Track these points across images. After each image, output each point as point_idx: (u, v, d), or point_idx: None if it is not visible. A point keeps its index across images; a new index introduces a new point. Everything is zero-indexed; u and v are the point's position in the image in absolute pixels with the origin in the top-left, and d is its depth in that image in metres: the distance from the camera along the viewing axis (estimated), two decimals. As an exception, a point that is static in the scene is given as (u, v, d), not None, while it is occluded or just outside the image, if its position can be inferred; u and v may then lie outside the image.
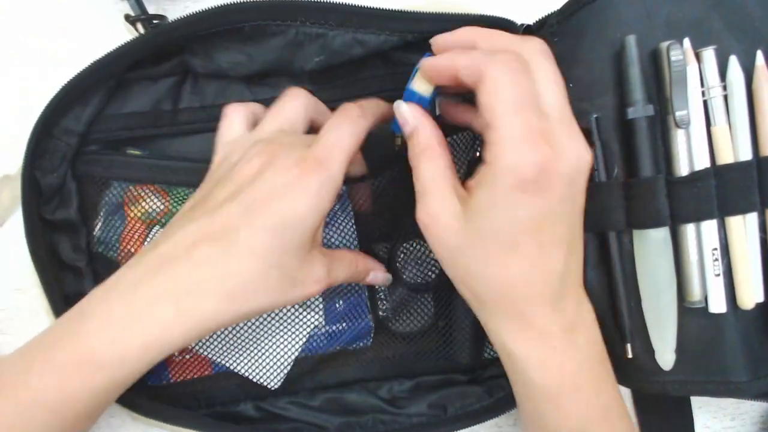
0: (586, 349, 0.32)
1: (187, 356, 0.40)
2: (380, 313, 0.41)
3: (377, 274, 0.39)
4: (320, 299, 0.40)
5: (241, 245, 0.30)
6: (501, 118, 0.28)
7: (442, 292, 0.41)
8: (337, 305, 0.40)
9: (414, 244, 0.41)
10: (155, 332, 0.29)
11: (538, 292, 0.30)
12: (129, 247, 0.38)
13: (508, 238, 0.29)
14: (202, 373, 0.40)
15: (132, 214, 0.38)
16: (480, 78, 0.29)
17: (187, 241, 0.31)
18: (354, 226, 0.40)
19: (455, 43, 0.32)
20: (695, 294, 0.36)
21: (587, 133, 0.36)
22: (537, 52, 0.31)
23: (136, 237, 0.38)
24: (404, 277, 0.40)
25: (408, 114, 0.33)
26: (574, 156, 0.30)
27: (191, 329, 0.30)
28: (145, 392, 0.38)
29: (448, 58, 0.31)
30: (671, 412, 0.42)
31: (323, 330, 0.40)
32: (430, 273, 0.40)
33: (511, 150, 0.28)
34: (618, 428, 0.33)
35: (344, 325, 0.40)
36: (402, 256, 0.41)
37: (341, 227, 0.39)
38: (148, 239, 0.39)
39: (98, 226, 0.39)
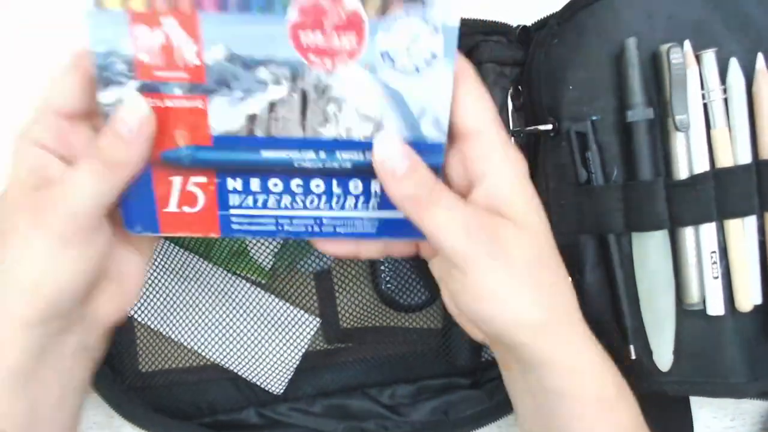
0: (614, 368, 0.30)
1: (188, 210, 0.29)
2: (383, 286, 0.41)
3: None
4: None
5: None
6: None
7: None
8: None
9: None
10: None
11: (572, 304, 0.29)
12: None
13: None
14: (207, 232, 0.29)
15: None
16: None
17: None
18: None
19: None
20: (693, 296, 0.36)
21: (584, 137, 0.36)
22: None
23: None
24: None
25: (399, 148, 0.26)
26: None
27: None
28: (149, 400, 0.38)
29: None
30: (671, 413, 0.42)
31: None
32: None
33: (506, 159, 0.27)
34: None
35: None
36: None
37: None
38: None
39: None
